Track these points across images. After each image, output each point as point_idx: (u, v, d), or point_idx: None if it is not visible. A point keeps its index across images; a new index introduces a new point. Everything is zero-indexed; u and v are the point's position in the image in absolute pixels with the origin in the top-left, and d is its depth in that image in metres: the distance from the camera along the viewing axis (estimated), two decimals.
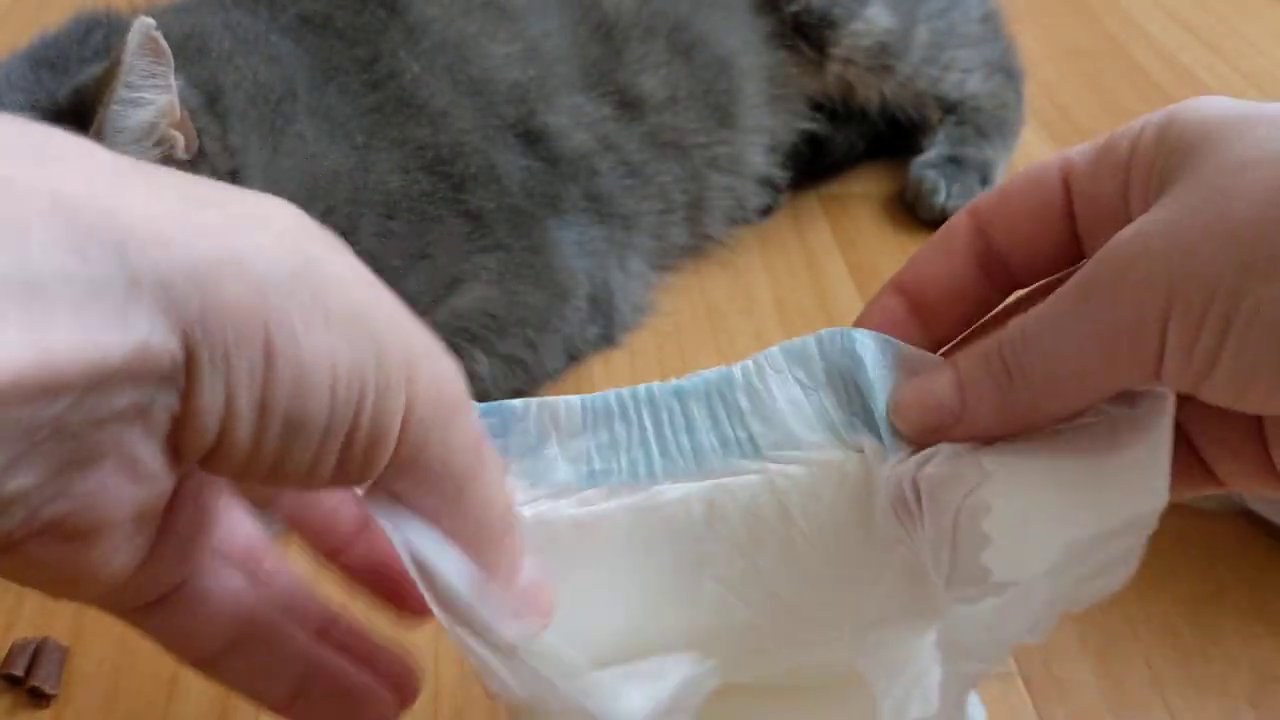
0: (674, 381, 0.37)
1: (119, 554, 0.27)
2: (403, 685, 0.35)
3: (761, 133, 0.77)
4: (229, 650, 0.33)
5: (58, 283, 0.21)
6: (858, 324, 0.36)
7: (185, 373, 0.24)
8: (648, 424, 0.36)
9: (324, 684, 0.34)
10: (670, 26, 0.72)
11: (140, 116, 0.51)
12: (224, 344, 0.24)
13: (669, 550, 0.36)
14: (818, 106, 0.80)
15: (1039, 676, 0.49)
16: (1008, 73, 0.84)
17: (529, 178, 0.66)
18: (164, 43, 0.50)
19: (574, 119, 0.68)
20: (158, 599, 0.30)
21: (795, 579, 0.36)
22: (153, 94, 0.51)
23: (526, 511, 0.35)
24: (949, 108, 0.82)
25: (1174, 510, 0.55)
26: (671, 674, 0.31)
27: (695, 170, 0.73)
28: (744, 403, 0.36)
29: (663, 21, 0.72)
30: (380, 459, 0.27)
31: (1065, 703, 0.48)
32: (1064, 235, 0.34)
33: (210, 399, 0.24)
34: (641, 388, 0.37)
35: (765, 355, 0.36)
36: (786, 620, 0.36)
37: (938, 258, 0.36)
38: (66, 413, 0.22)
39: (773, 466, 0.35)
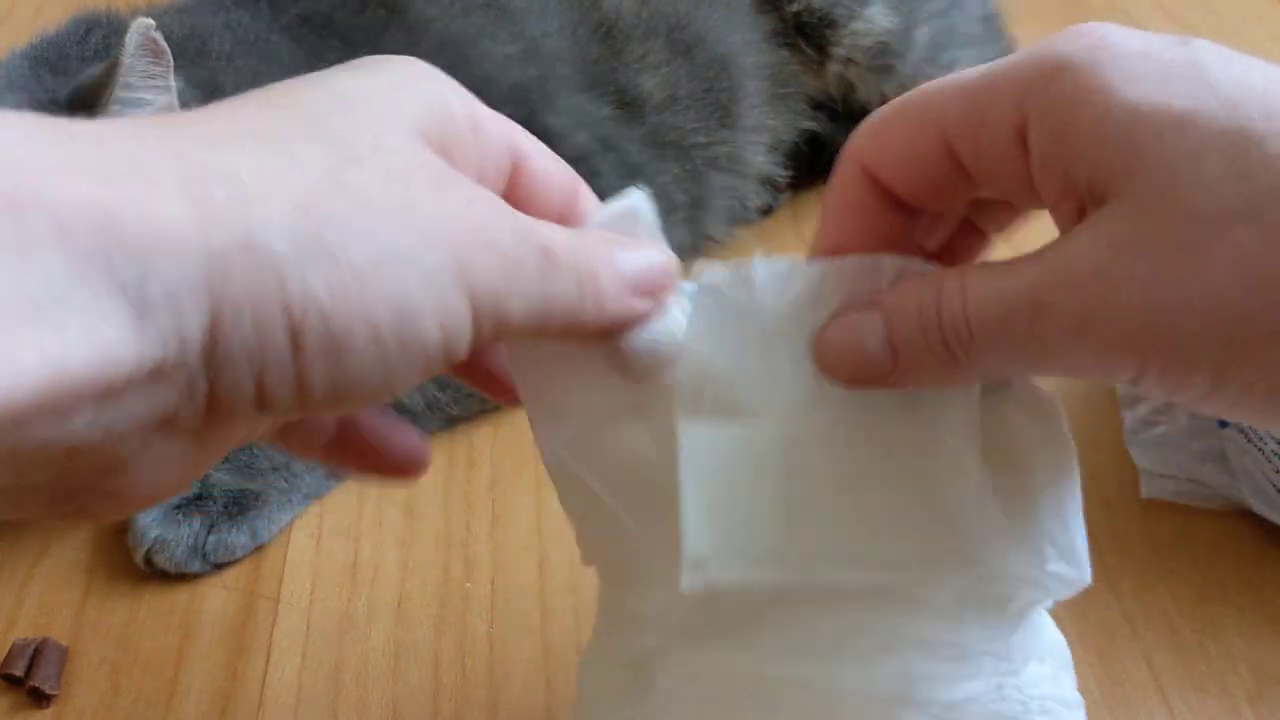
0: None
1: (165, 470, 0.26)
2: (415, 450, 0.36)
3: (762, 132, 0.76)
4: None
5: (66, 301, 0.21)
6: None
7: (206, 370, 0.24)
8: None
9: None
10: (670, 26, 0.72)
11: (140, 117, 0.51)
12: (242, 336, 0.24)
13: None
14: (818, 106, 0.80)
15: None
16: None
17: None
18: (163, 43, 0.50)
19: (574, 119, 0.68)
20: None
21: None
22: (152, 94, 0.51)
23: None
24: None
25: (1174, 510, 0.55)
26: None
27: (695, 170, 0.73)
28: None
29: (663, 21, 0.72)
30: (460, 354, 0.27)
31: None
32: (954, 174, 0.32)
33: (239, 387, 0.24)
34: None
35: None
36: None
37: (845, 220, 0.34)
38: (85, 429, 0.22)
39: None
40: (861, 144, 0.33)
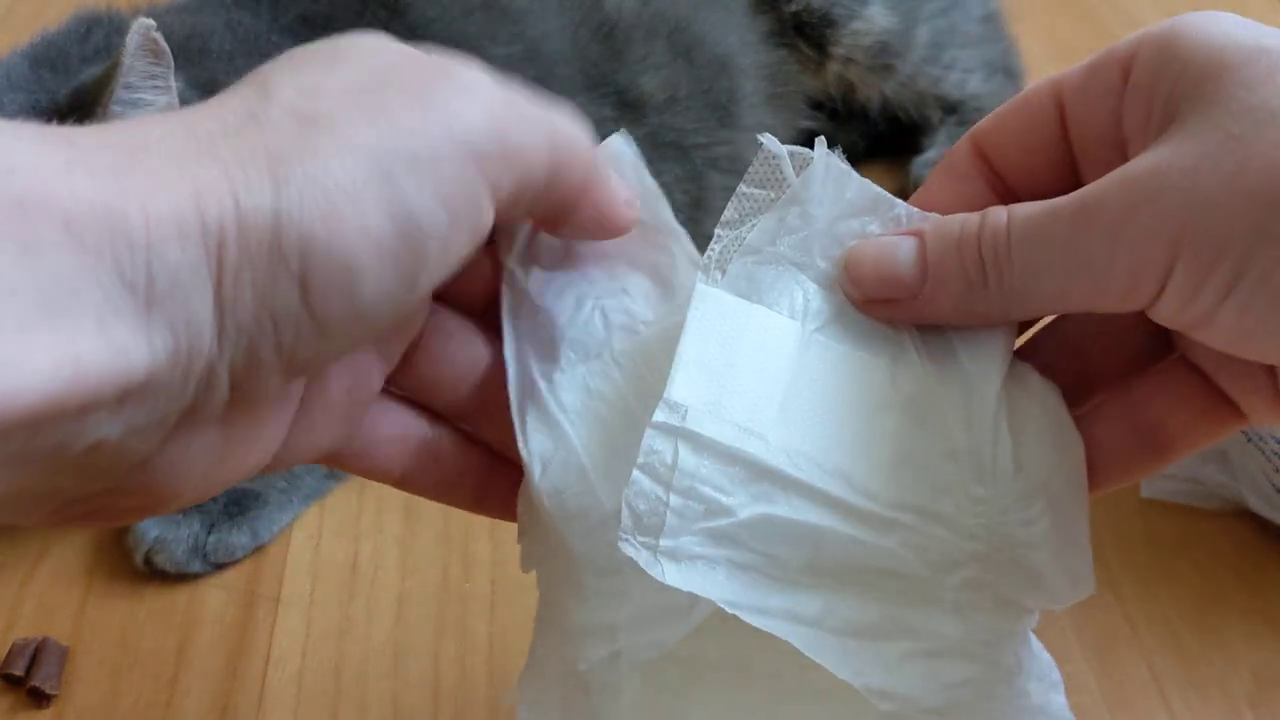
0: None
1: (193, 466, 0.26)
2: None
3: (762, 131, 0.76)
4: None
5: (77, 301, 0.21)
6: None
7: (219, 348, 0.24)
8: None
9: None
10: (670, 27, 0.72)
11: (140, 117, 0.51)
12: (246, 301, 0.24)
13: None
14: (818, 106, 0.80)
15: None
16: (1008, 73, 0.84)
17: None
18: (164, 43, 0.50)
19: None
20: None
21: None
22: (152, 95, 0.51)
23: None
24: (950, 108, 0.82)
25: (1174, 510, 0.55)
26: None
27: (696, 170, 0.73)
28: None
29: (663, 22, 0.72)
30: (485, 227, 0.28)
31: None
32: (1059, 157, 0.33)
33: (258, 356, 0.24)
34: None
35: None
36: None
37: (946, 184, 0.34)
38: (103, 428, 0.23)
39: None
40: (983, 124, 0.34)
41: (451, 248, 0.27)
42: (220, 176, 0.24)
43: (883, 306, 0.32)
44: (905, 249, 0.32)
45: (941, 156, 0.79)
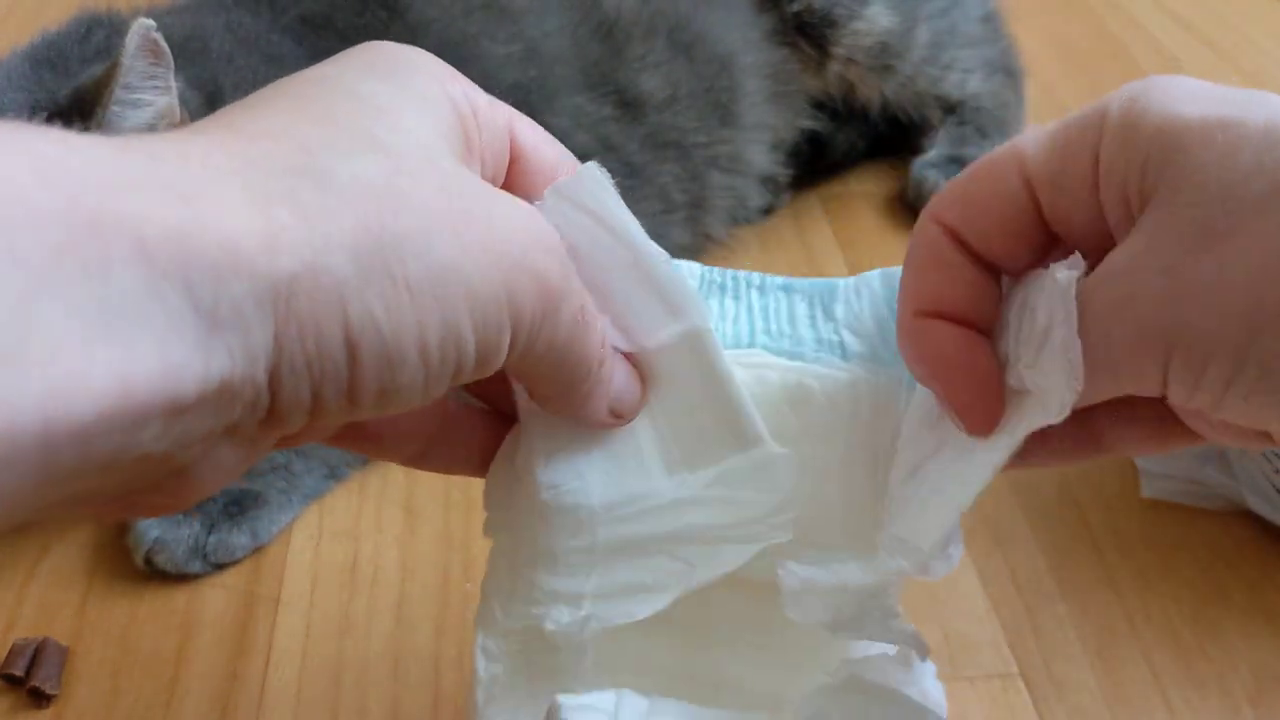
0: (781, 278, 0.39)
1: (220, 470, 0.27)
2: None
3: (763, 131, 0.76)
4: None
5: (141, 319, 0.22)
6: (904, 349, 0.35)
7: (270, 384, 0.25)
8: (754, 304, 0.38)
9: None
10: (670, 25, 0.72)
11: (139, 118, 0.51)
12: (304, 353, 0.25)
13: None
14: (819, 105, 0.80)
15: (1039, 676, 0.49)
16: (1008, 72, 0.84)
17: None
18: (164, 44, 0.50)
19: (574, 119, 0.68)
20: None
21: (852, 479, 0.37)
22: (152, 95, 0.51)
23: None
24: (950, 108, 0.82)
25: (1174, 510, 0.55)
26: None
27: (696, 170, 0.73)
28: (840, 312, 0.38)
29: (663, 21, 0.72)
30: (491, 370, 0.29)
31: (1065, 703, 0.48)
32: (1042, 241, 0.32)
33: (298, 398, 0.25)
34: (755, 274, 0.39)
35: (865, 277, 0.38)
36: (821, 507, 0.37)
37: (939, 277, 0.33)
38: (154, 441, 0.23)
39: (858, 370, 0.37)
40: (941, 202, 0.33)
41: (465, 377, 0.28)
42: (300, 224, 0.25)
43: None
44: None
45: (940, 158, 0.79)
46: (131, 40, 0.49)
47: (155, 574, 0.55)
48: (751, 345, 0.37)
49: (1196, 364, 0.27)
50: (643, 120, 0.70)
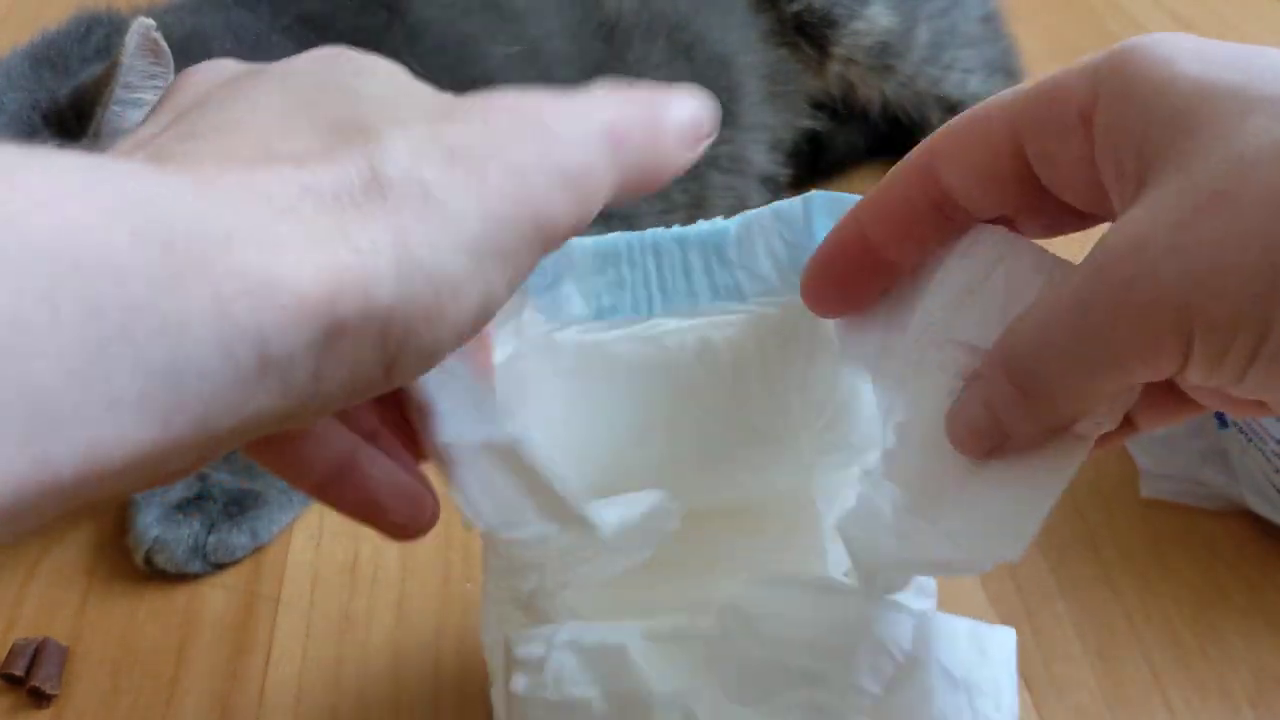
0: (675, 229, 0.40)
1: None
2: (420, 506, 0.35)
3: (763, 131, 0.76)
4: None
5: (203, 374, 0.22)
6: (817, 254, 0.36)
7: (303, 407, 0.25)
8: (651, 267, 0.40)
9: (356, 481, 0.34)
10: (670, 26, 0.72)
11: (139, 118, 0.51)
12: (341, 378, 0.25)
13: (664, 377, 0.40)
14: (819, 105, 0.80)
15: (1039, 676, 0.49)
16: (1009, 73, 0.84)
17: None
18: (164, 43, 0.50)
19: None
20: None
21: (769, 406, 0.40)
22: (152, 95, 0.51)
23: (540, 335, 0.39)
24: (950, 108, 0.82)
25: (1174, 510, 0.55)
26: (641, 502, 0.35)
27: (696, 169, 0.72)
28: (733, 254, 0.40)
29: (663, 21, 0.72)
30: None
31: (1065, 703, 0.48)
32: (1017, 186, 0.32)
33: (326, 411, 0.26)
34: (648, 233, 0.41)
35: (756, 214, 0.41)
36: (756, 443, 0.40)
37: (894, 200, 0.34)
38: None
39: (754, 308, 0.40)
40: (933, 140, 0.33)
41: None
42: (359, 266, 0.24)
43: (995, 454, 0.32)
44: (974, 402, 0.32)
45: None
46: (131, 39, 0.49)
47: (155, 574, 0.55)
48: (650, 314, 0.39)
49: (1221, 335, 0.26)
50: None
